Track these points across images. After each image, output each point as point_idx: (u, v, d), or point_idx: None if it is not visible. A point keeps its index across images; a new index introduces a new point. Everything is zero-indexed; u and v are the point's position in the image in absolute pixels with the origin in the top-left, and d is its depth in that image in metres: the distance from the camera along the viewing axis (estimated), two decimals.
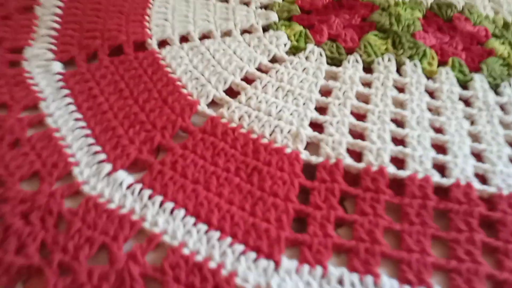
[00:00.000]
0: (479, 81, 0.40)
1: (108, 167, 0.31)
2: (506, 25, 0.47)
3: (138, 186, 0.30)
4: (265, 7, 0.45)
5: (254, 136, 0.33)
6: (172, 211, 0.29)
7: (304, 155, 0.33)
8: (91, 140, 0.33)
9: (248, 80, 0.38)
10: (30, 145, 0.32)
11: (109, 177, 0.31)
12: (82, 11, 0.41)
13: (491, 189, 0.32)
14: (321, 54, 0.40)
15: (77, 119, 0.34)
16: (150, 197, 0.30)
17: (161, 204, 0.30)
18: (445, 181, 0.32)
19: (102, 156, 0.32)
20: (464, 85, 0.40)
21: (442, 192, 0.32)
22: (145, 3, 0.43)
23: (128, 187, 0.30)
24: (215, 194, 0.30)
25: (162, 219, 0.29)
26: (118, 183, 0.30)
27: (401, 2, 0.47)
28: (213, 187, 0.31)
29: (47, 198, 0.29)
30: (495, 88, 0.40)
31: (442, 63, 0.42)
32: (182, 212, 0.29)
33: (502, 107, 0.39)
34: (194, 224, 0.29)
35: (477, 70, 0.41)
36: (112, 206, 0.29)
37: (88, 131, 0.33)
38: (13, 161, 0.31)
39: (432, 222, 0.30)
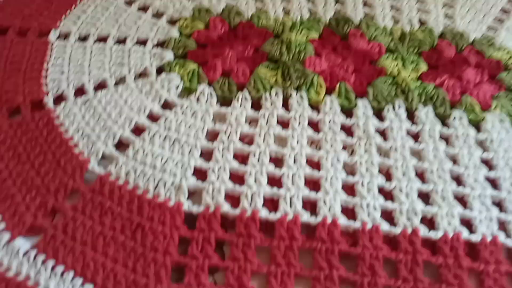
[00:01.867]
0: (362, 107, 0.42)
1: (6, 236, 0.34)
2: (403, 36, 0.48)
3: (33, 252, 0.34)
4: (162, 43, 0.46)
5: (139, 192, 0.36)
6: (62, 274, 0.33)
7: (187, 205, 0.36)
8: None
9: (138, 131, 0.40)
10: None
11: (8, 245, 0.34)
12: None
13: (356, 225, 0.35)
14: (211, 95, 0.42)
15: None
16: (43, 262, 0.33)
17: (53, 268, 0.33)
18: (313, 220, 0.35)
19: (2, 225, 0.35)
20: (349, 112, 0.42)
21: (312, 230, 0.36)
22: (43, 56, 0.44)
23: (25, 253, 0.34)
24: (101, 254, 0.34)
25: (54, 283, 0.32)
26: (16, 251, 0.34)
27: (299, 22, 0.48)
28: (99, 247, 0.34)
29: None
30: (379, 113, 0.42)
31: (330, 89, 0.43)
32: (70, 274, 0.33)
33: (383, 133, 0.41)
34: (82, 285, 0.33)
35: (364, 94, 0.43)
36: (11, 274, 0.33)
37: None
38: None
39: (297, 262, 0.34)
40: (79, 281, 0.33)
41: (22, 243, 0.35)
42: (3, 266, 0.33)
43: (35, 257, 0.34)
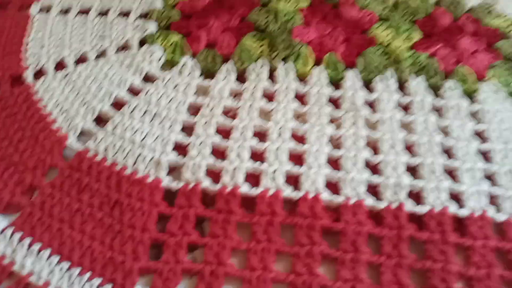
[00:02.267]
0: (351, 79, 0.40)
1: None
2: (396, 3, 0.45)
3: (9, 230, 0.34)
4: (145, 15, 0.45)
5: (118, 168, 0.35)
6: (39, 253, 0.33)
7: (166, 181, 0.35)
8: None
9: (118, 105, 0.39)
10: None
11: None
12: None
13: (339, 199, 0.34)
14: (194, 67, 0.41)
15: None
16: (20, 240, 0.33)
17: (30, 245, 0.33)
18: (295, 195, 0.34)
19: None
20: (338, 84, 0.41)
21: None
22: (23, 30, 0.43)
23: (1, 231, 0.34)
24: (79, 231, 0.33)
25: (30, 261, 0.32)
26: None
27: None
28: (77, 225, 0.34)
29: None
30: (368, 84, 0.40)
31: (318, 60, 0.42)
32: (47, 252, 0.33)
33: (371, 105, 0.39)
34: (58, 263, 0.32)
35: (354, 64, 0.41)
36: None
37: None
38: None
39: (279, 238, 0.33)
40: (56, 258, 0.32)
41: None
42: None
43: (11, 235, 0.33)
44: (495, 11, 0.46)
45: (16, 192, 0.35)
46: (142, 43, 0.43)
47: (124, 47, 0.43)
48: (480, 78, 0.41)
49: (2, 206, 0.35)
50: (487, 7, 0.47)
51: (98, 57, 0.42)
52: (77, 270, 0.32)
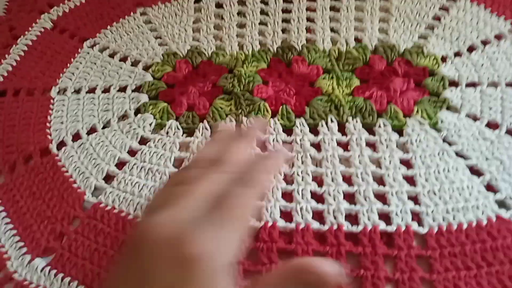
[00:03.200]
0: (300, 125, 0.49)
1: (28, 257, 0.45)
2: (339, 56, 0.55)
3: (47, 268, 0.45)
4: (139, 88, 0.56)
5: (123, 214, 0.46)
6: (69, 284, 0.43)
7: None
8: (17, 238, 0.47)
9: (121, 165, 0.50)
10: None
11: (29, 264, 0.45)
12: (2, 129, 0.54)
13: (291, 225, 0.43)
14: (177, 127, 0.51)
15: (6, 223, 0.48)
16: (55, 275, 0.44)
17: (62, 279, 0.44)
18: (257, 225, 0.43)
19: (24, 249, 0.46)
20: (290, 130, 0.50)
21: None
22: (47, 109, 0.55)
23: (42, 269, 0.45)
24: (97, 266, 0.44)
25: None
26: (35, 268, 0.45)
27: (250, 55, 0.56)
28: (95, 261, 0.44)
29: None
30: (315, 128, 0.49)
31: (275, 112, 0.51)
32: (75, 283, 0.43)
33: (317, 146, 0.48)
34: None
35: (303, 113, 0.50)
36: (33, 286, 0.44)
37: (14, 231, 0.47)
38: None
39: (244, 260, 0.42)
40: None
41: (39, 262, 0.46)
42: (27, 281, 0.44)
43: (49, 272, 0.45)
44: (425, 51, 0.54)
45: (50, 239, 0.46)
46: (137, 111, 0.54)
47: (123, 116, 0.54)
48: (408, 113, 0.49)
49: (41, 251, 0.46)
50: (418, 48, 0.55)
51: (104, 127, 0.53)
52: None
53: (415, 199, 0.44)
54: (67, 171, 0.50)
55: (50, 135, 0.54)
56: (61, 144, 0.53)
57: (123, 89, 0.57)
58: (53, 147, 0.53)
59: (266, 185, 0.42)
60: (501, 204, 0.43)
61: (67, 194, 0.49)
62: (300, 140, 0.48)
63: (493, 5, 0.58)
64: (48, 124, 0.54)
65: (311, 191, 0.45)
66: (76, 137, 0.53)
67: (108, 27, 0.62)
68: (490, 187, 0.44)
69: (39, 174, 0.51)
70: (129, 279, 0.30)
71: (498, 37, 0.55)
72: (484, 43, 0.55)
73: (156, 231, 0.29)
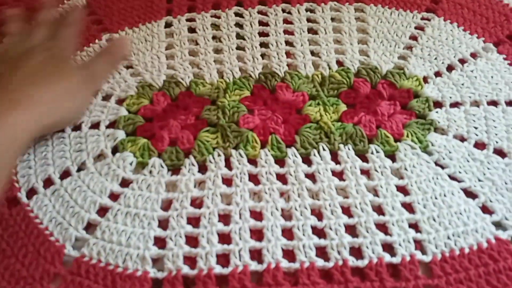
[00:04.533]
0: (292, 156, 0.48)
1: None
2: (323, 81, 0.54)
3: None
4: (113, 123, 0.52)
5: (111, 267, 0.42)
6: None
7: (152, 273, 0.42)
8: None
9: (103, 211, 0.46)
10: None
11: None
12: None
13: (296, 265, 0.41)
14: (162, 165, 0.48)
15: None
16: None
17: None
18: (260, 268, 0.41)
19: None
20: (282, 161, 0.48)
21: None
22: None
23: None
24: None
25: None
26: None
27: (232, 83, 0.54)
28: None
29: None
30: (308, 157, 0.48)
31: (264, 142, 0.49)
32: None
33: (312, 176, 0.47)
34: None
35: (293, 142, 0.49)
36: None
37: None
38: None
39: None
40: None
41: None
42: None
43: None
44: (407, 72, 0.55)
45: None
46: (114, 150, 0.50)
47: (99, 156, 0.50)
48: (398, 138, 0.49)
49: None
50: (400, 69, 0.55)
51: (79, 169, 0.48)
52: None
53: (415, 226, 0.44)
54: (41, 223, 0.45)
55: (18, 182, 0.48)
56: (31, 192, 0.48)
57: (95, 126, 0.52)
58: (22, 195, 0.47)
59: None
60: (498, 225, 0.44)
61: (44, 249, 0.44)
62: (294, 172, 0.47)
63: (465, 24, 0.59)
64: (14, 170, 0.49)
65: (311, 226, 0.44)
66: (48, 182, 0.48)
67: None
68: (485, 209, 0.44)
69: (8, 228, 0.45)
70: None
71: (473, 55, 0.57)
72: (462, 61, 0.56)
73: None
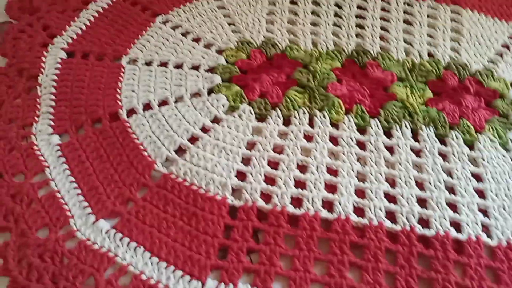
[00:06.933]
0: (374, 126, 0.51)
1: (92, 218, 0.45)
2: (413, 67, 0.57)
3: (112, 231, 0.44)
4: (211, 69, 0.57)
5: (194, 188, 0.46)
6: (135, 249, 0.43)
7: (230, 200, 0.46)
8: (81, 198, 0.46)
9: (193, 139, 0.50)
10: (41, 204, 0.46)
11: (94, 225, 0.44)
12: (70, 89, 0.54)
13: (364, 221, 0.43)
14: (251, 112, 0.52)
15: (71, 182, 0.47)
16: (120, 239, 0.44)
17: (128, 244, 0.43)
18: (330, 216, 0.44)
19: (89, 210, 0.46)
20: (363, 129, 0.51)
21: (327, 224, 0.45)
22: (117, 76, 0.55)
23: (106, 232, 0.44)
24: (165, 234, 0.44)
25: (129, 255, 0.43)
26: (99, 229, 0.44)
27: (324, 53, 0.58)
28: (163, 230, 0.44)
29: (54, 243, 0.43)
30: (388, 131, 0.51)
31: (348, 110, 0.52)
32: (141, 249, 0.43)
33: (390, 148, 0.49)
34: (150, 257, 0.42)
35: (377, 115, 0.51)
36: (96, 247, 0.43)
37: (79, 191, 0.47)
38: (30, 218, 0.45)
39: (316, 248, 0.43)
40: (147, 254, 0.43)
41: (104, 224, 0.45)
42: (91, 241, 0.44)
43: (114, 235, 0.44)
44: (496, 75, 0.57)
45: (116, 202, 0.46)
46: (209, 91, 0.55)
47: (196, 94, 0.54)
48: (479, 130, 0.51)
49: (107, 213, 0.45)
50: (489, 71, 0.57)
51: (176, 101, 0.53)
52: (164, 264, 0.42)
53: (484, 211, 0.46)
54: (137, 139, 0.50)
55: (121, 101, 0.53)
56: (131, 112, 0.53)
57: (195, 68, 0.57)
58: (123, 113, 0.52)
59: None
60: None
61: (136, 161, 0.49)
62: (375, 141, 0.49)
63: None
64: (118, 91, 0.54)
65: (384, 191, 0.46)
66: (147, 107, 0.53)
67: (181, 6, 0.63)
68: None
69: (107, 138, 0.51)
70: None
71: None
72: None
73: None
